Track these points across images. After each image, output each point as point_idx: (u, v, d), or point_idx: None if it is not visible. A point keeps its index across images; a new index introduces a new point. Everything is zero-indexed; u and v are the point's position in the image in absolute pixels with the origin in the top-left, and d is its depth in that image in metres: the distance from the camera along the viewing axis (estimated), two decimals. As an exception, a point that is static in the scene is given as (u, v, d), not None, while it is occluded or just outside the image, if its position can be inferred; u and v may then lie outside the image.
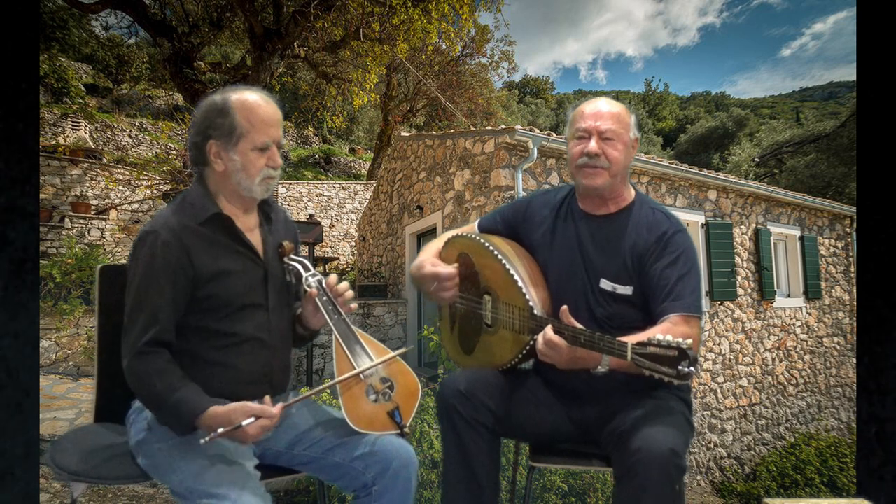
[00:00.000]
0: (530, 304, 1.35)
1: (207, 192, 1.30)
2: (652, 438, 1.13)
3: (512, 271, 1.40)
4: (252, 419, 1.10)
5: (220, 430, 1.08)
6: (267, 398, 1.17)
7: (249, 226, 1.35)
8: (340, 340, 1.31)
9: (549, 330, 1.22)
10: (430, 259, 1.57)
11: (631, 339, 1.12)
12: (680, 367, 1.01)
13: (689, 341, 1.02)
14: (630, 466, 1.12)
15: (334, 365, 1.31)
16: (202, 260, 1.22)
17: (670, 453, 1.10)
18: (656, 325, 1.28)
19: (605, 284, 1.40)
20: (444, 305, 1.68)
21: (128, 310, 1.19)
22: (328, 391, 3.48)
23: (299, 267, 1.36)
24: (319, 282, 1.34)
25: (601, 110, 1.41)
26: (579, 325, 1.20)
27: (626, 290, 1.38)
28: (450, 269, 1.53)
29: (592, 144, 1.39)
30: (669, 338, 1.04)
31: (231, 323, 1.26)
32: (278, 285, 1.36)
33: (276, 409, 1.15)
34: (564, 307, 1.23)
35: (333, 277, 1.37)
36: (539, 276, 1.47)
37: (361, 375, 1.29)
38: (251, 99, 1.26)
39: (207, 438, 1.07)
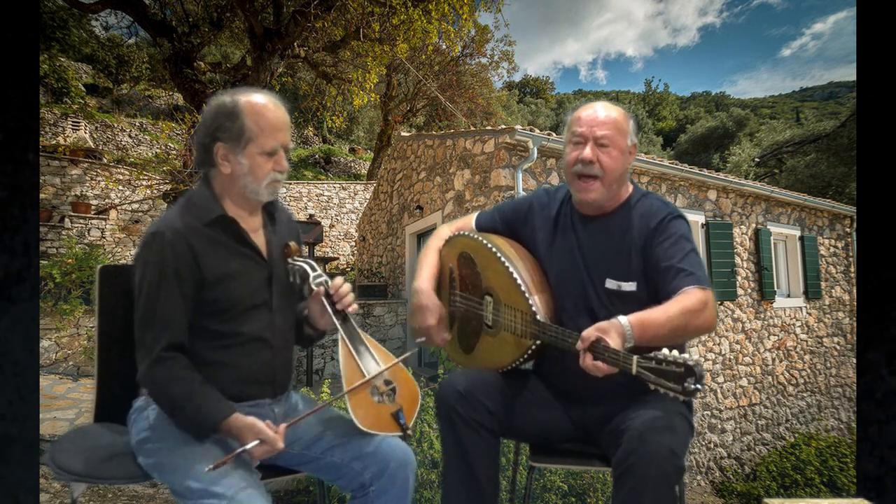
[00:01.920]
0: (533, 308, 1.35)
1: (213, 194, 1.30)
2: (651, 438, 1.12)
3: (515, 274, 1.40)
4: (257, 442, 1.12)
5: (225, 458, 1.10)
6: (281, 427, 1.18)
7: (254, 227, 1.35)
8: (347, 341, 1.31)
9: (588, 359, 1.16)
10: (438, 307, 1.51)
11: (638, 321, 1.14)
12: (686, 384, 1.00)
13: (696, 357, 1.02)
14: (628, 466, 1.12)
15: (340, 366, 1.31)
16: (208, 261, 1.22)
17: (669, 453, 1.10)
18: (672, 299, 1.24)
19: (611, 283, 1.39)
20: (444, 305, 1.68)
21: (139, 315, 1.18)
22: (328, 391, 3.48)
23: (306, 267, 1.36)
24: (325, 283, 1.35)
25: (598, 116, 1.40)
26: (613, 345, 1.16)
27: (630, 286, 1.37)
28: (445, 336, 1.52)
29: (587, 151, 1.38)
30: (676, 353, 1.04)
31: (235, 324, 1.26)
32: (282, 286, 1.36)
33: (281, 434, 1.16)
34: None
35: (339, 279, 1.37)
36: (542, 280, 1.47)
37: (371, 379, 1.29)
38: (261, 103, 1.26)
39: (212, 467, 1.08)
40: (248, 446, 1.11)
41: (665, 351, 1.05)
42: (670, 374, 1.03)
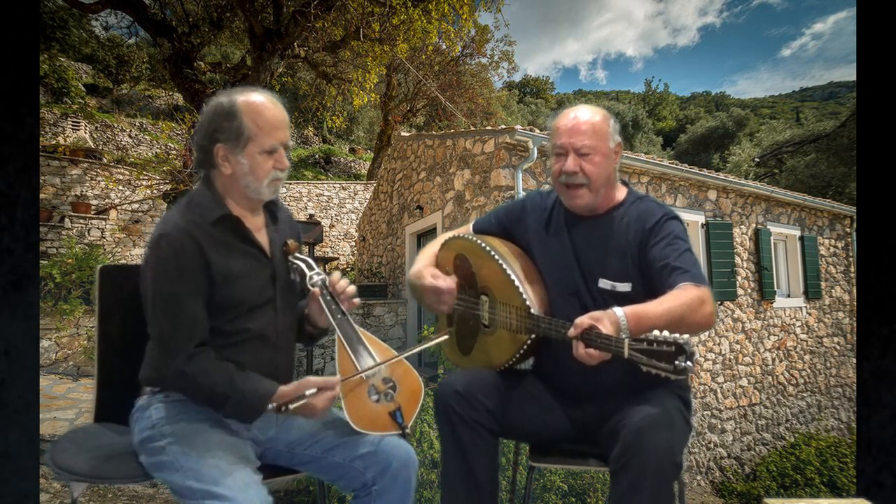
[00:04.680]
0: (527, 303, 1.35)
1: (215, 194, 1.30)
2: (648, 434, 1.12)
3: (509, 271, 1.40)
4: (314, 391, 1.17)
5: (292, 406, 1.15)
6: (336, 377, 1.22)
7: (257, 226, 1.35)
8: (343, 340, 1.30)
9: (581, 348, 1.17)
10: (429, 270, 1.55)
11: (633, 313, 1.14)
12: (677, 362, 1.00)
13: (687, 336, 1.02)
14: (625, 462, 1.12)
15: (336, 364, 1.31)
16: (215, 260, 1.23)
17: (667, 449, 1.10)
18: (667, 294, 1.24)
19: (604, 283, 1.39)
20: None
21: (160, 317, 1.18)
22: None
23: (303, 266, 1.36)
24: (323, 281, 1.35)
25: (577, 126, 1.39)
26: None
27: (625, 286, 1.38)
28: (449, 283, 1.51)
29: (569, 163, 1.38)
30: (666, 333, 1.04)
31: (240, 322, 1.27)
32: (285, 284, 1.37)
33: (335, 379, 1.21)
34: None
35: (337, 275, 1.37)
36: (536, 275, 1.48)
37: (363, 375, 1.28)
38: (258, 101, 1.26)
39: (274, 406, 1.14)
40: (308, 393, 1.16)
41: (656, 332, 1.05)
42: (661, 353, 1.02)
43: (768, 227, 7.70)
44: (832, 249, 8.96)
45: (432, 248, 1.68)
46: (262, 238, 1.35)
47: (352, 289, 1.37)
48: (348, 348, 1.30)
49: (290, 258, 1.37)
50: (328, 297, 1.33)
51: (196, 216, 1.24)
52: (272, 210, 1.41)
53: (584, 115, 1.41)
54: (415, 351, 1.41)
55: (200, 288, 1.20)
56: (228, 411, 1.19)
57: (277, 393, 1.18)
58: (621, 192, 1.49)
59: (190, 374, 1.16)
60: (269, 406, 1.16)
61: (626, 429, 1.17)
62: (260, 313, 1.30)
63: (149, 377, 1.26)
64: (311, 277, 1.34)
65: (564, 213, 1.51)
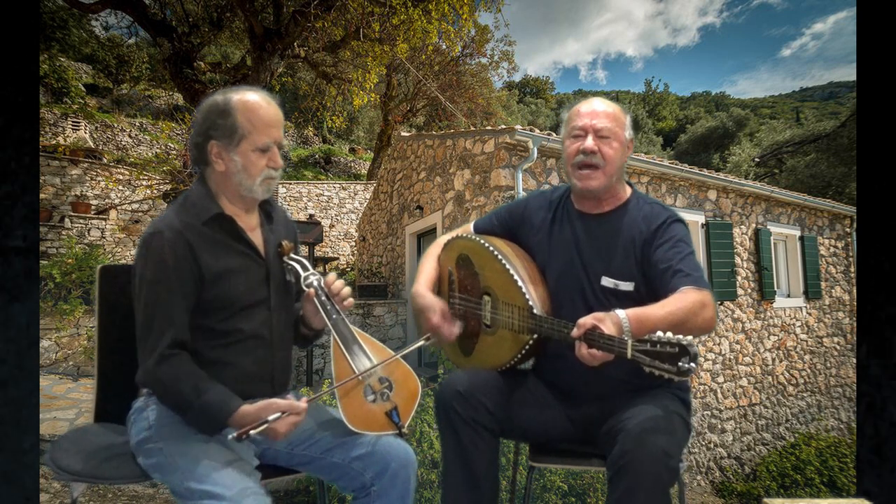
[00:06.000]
0: (530, 303, 1.35)
1: (209, 193, 1.30)
2: (646, 439, 1.12)
3: (512, 271, 1.40)
4: (279, 415, 1.13)
5: (253, 432, 1.10)
6: (303, 399, 1.18)
7: (251, 225, 1.35)
8: (338, 341, 1.30)
9: (583, 348, 1.16)
10: (440, 305, 1.50)
11: (636, 315, 1.14)
12: (680, 364, 1.00)
13: (690, 337, 1.02)
14: (622, 466, 1.11)
15: (332, 365, 1.31)
16: (206, 260, 1.23)
17: (663, 455, 1.09)
18: (669, 297, 1.24)
19: (607, 282, 1.40)
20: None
21: (141, 315, 1.19)
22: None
23: (298, 266, 1.36)
24: (318, 281, 1.34)
25: (597, 109, 1.44)
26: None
27: (627, 285, 1.38)
28: (453, 332, 1.50)
29: (589, 142, 1.40)
30: (670, 335, 1.04)
31: (234, 322, 1.26)
32: (279, 284, 1.37)
33: (303, 402, 1.17)
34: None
35: (332, 276, 1.37)
36: (538, 276, 1.48)
37: (360, 376, 1.28)
38: (252, 100, 1.26)
39: (235, 435, 1.09)
40: (271, 418, 1.12)
41: (659, 333, 1.05)
42: (665, 354, 1.02)
43: (768, 227, 7.70)
44: (832, 249, 8.96)
45: (434, 251, 1.68)
46: (256, 238, 1.35)
47: (346, 290, 1.36)
48: (344, 349, 1.30)
49: (285, 259, 1.37)
50: (323, 298, 1.33)
51: (190, 215, 1.25)
52: (267, 210, 1.41)
53: (604, 103, 1.47)
54: (410, 349, 1.39)
55: (184, 289, 1.19)
56: (190, 420, 1.17)
57: (239, 412, 1.13)
58: (626, 192, 1.51)
59: (158, 376, 1.15)
60: (230, 435, 1.10)
61: (624, 433, 1.16)
62: (254, 313, 1.29)
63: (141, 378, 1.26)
64: (306, 278, 1.34)
65: (570, 209, 1.52)
